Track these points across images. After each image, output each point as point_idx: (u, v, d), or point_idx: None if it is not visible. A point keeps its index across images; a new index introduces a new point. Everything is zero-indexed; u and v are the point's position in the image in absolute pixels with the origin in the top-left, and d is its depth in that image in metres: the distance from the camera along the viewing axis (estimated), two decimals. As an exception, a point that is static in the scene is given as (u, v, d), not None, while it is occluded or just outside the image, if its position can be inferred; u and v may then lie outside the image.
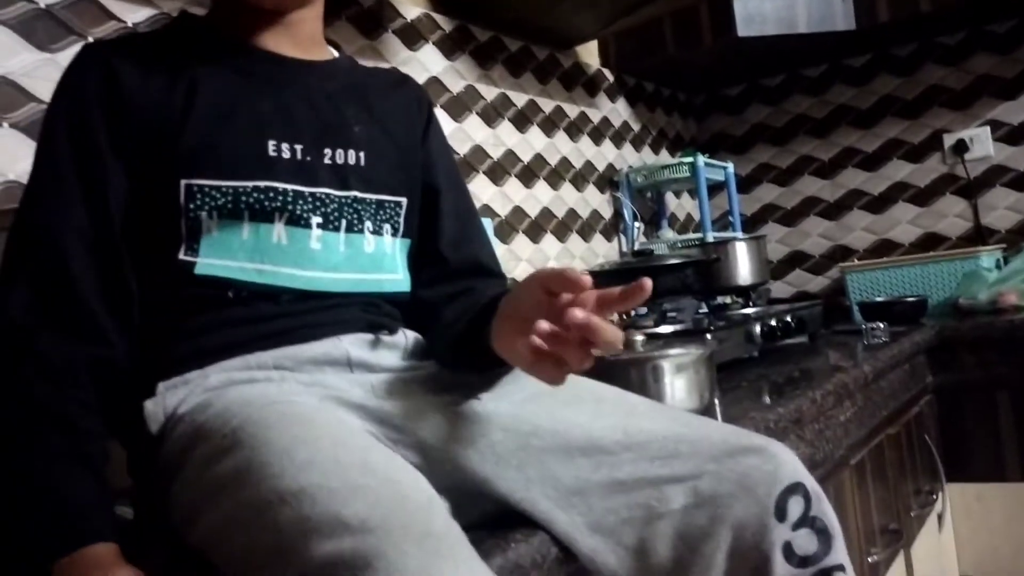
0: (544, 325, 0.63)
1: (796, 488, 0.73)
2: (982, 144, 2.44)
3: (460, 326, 0.84)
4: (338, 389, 0.78)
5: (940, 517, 1.87)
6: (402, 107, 0.97)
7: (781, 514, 0.72)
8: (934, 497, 1.81)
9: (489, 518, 0.72)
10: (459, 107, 1.90)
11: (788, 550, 0.71)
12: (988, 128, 2.43)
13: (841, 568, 0.73)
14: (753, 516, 0.71)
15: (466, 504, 0.71)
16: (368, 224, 0.88)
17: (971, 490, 1.93)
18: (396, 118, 0.95)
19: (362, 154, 0.88)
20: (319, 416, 0.70)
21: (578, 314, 0.61)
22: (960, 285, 2.17)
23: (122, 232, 0.79)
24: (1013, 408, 1.88)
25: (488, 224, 1.83)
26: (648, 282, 0.62)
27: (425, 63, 1.82)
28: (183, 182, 0.78)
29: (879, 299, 2.19)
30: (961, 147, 2.46)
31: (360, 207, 0.87)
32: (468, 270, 0.97)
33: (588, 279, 0.63)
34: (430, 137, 1.00)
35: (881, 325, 1.92)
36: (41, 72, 1.16)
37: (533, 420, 0.77)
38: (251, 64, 0.86)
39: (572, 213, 2.23)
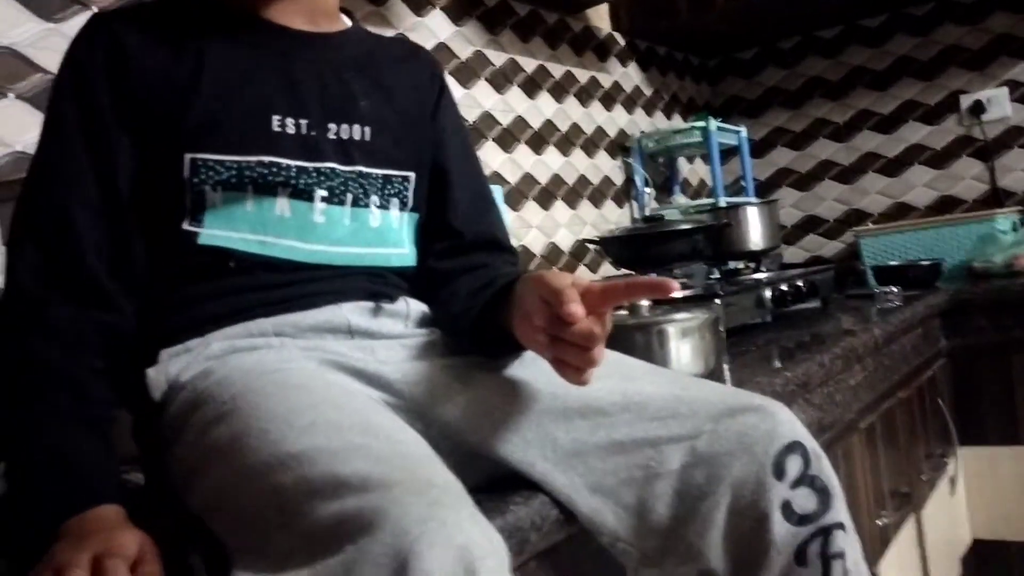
0: (542, 338, 0.69)
1: (794, 447, 0.73)
2: (999, 105, 2.40)
3: (476, 308, 0.84)
4: (338, 354, 0.79)
5: (952, 481, 1.87)
6: (413, 80, 0.97)
7: (779, 472, 0.72)
8: (946, 461, 1.81)
9: (489, 481, 0.73)
10: (467, 73, 1.88)
11: (787, 508, 0.72)
12: (1006, 89, 2.39)
13: (841, 526, 0.73)
14: (751, 474, 0.72)
15: (466, 467, 0.71)
16: (374, 199, 0.88)
17: (984, 454, 1.93)
18: (406, 92, 0.94)
19: (367, 129, 0.87)
20: (318, 382, 0.71)
21: (576, 330, 0.64)
22: (975, 248, 2.15)
23: (129, 203, 0.79)
24: (1027, 372, 1.87)
25: (498, 191, 1.82)
26: (672, 283, 0.63)
27: (433, 29, 1.81)
28: (188, 156, 0.79)
29: (893, 263, 2.17)
30: (978, 108, 2.42)
31: (366, 182, 0.87)
32: (482, 244, 0.97)
33: (580, 312, 0.64)
34: (441, 111, 0.99)
35: (895, 289, 1.90)
36: (46, 42, 1.16)
37: (532, 383, 0.77)
38: (259, 37, 0.86)
39: (583, 179, 2.22)
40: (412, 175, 0.92)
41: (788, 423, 0.75)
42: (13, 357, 0.73)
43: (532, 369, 0.80)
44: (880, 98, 2.58)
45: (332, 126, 0.85)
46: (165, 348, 0.79)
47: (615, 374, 0.79)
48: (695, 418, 0.74)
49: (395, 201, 0.91)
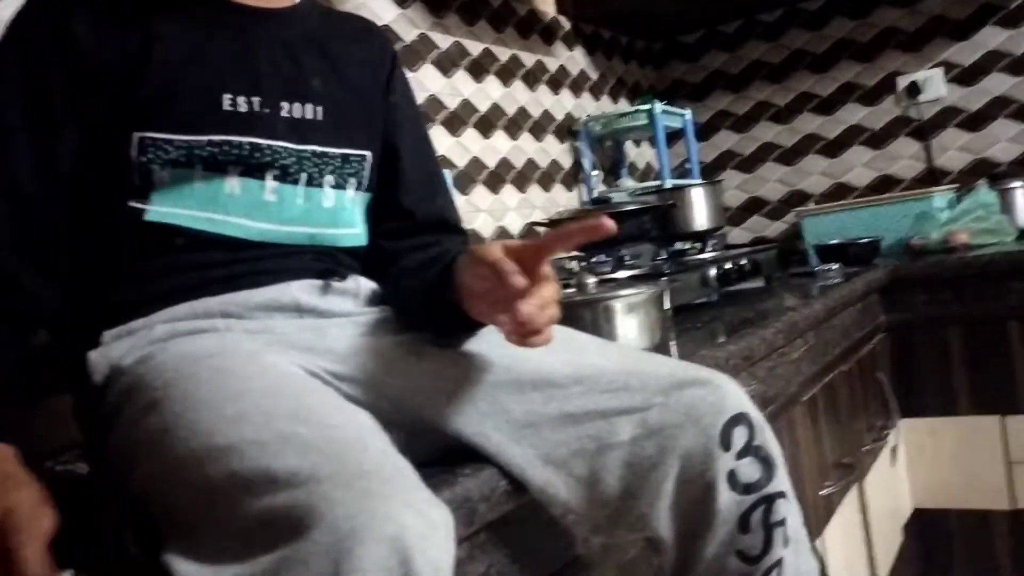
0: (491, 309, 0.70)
1: (740, 418, 0.75)
2: (935, 86, 2.46)
3: (424, 285, 0.84)
4: (285, 334, 0.78)
5: (893, 451, 1.93)
6: (365, 58, 0.96)
7: (726, 443, 0.74)
8: (887, 432, 1.86)
9: (442, 453, 0.74)
10: (413, 56, 1.87)
11: (732, 478, 0.73)
12: (940, 70, 2.46)
13: (783, 495, 0.76)
14: (699, 445, 0.73)
15: (419, 440, 0.72)
16: (330, 178, 0.87)
17: (923, 424, 1.99)
18: (358, 70, 0.94)
19: (320, 109, 0.87)
20: (253, 367, 0.70)
21: (521, 308, 0.65)
22: (913, 226, 2.21)
23: (72, 182, 0.78)
24: (964, 344, 1.93)
25: (447, 175, 1.82)
26: (607, 222, 0.64)
27: (375, 10, 1.79)
28: (136, 135, 0.78)
29: (833, 242, 2.22)
30: (914, 89, 2.48)
31: (321, 161, 0.86)
32: (433, 225, 0.97)
33: (520, 282, 0.65)
34: (394, 89, 0.98)
35: (835, 267, 1.95)
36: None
37: (485, 356, 0.78)
38: (210, 14, 0.84)
39: (531, 163, 2.22)
40: (369, 154, 0.92)
41: (734, 395, 0.76)
42: None
43: (485, 342, 0.80)
44: (820, 80, 2.63)
45: (285, 104, 0.85)
46: (108, 328, 0.78)
47: (567, 348, 0.80)
48: (645, 391, 0.75)
49: (352, 181, 0.90)
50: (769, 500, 0.75)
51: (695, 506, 0.74)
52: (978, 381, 1.92)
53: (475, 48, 2.06)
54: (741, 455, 0.74)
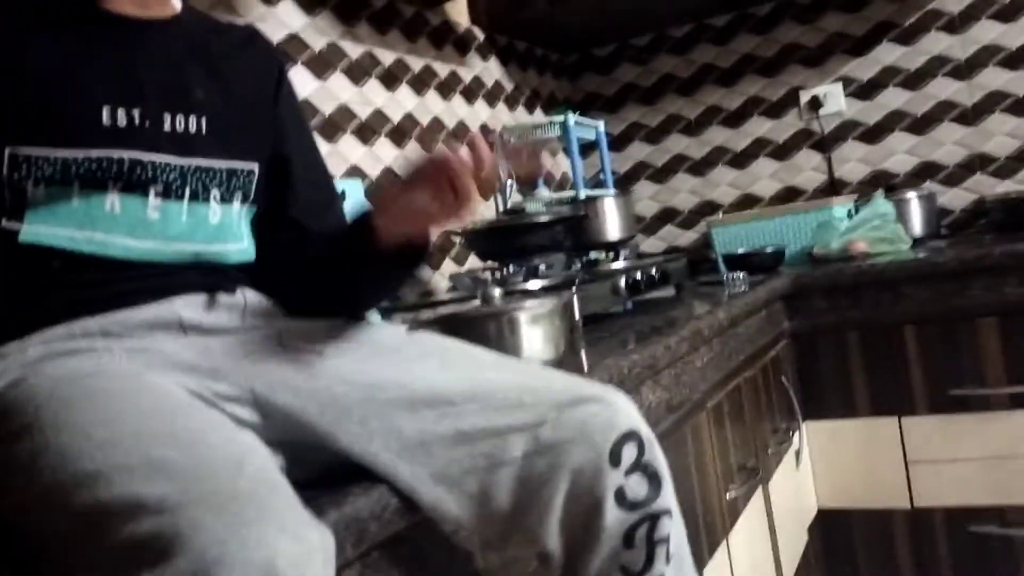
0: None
1: (631, 435, 0.76)
2: (835, 100, 2.56)
3: (339, 241, 0.87)
4: (167, 353, 0.76)
5: (798, 454, 1.98)
6: (251, 68, 0.94)
7: (616, 460, 0.75)
8: (791, 435, 1.91)
9: (331, 471, 0.72)
10: (322, 65, 1.85)
11: (620, 494, 0.74)
12: (840, 84, 2.55)
13: (668, 513, 0.77)
14: (589, 462, 0.74)
15: (306, 458, 0.71)
16: (215, 192, 0.85)
17: (826, 427, 2.06)
18: (244, 80, 0.92)
19: (204, 120, 0.85)
20: (127, 387, 0.68)
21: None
22: (815, 235, 2.29)
23: None
24: (862, 348, 2.00)
25: (357, 186, 1.80)
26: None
27: (283, 19, 1.77)
28: (7, 150, 0.75)
29: (741, 251, 2.28)
30: (816, 103, 2.57)
31: (206, 176, 0.84)
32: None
33: (457, 148, 0.71)
34: (281, 99, 0.97)
35: (742, 275, 2.00)
36: None
37: (377, 373, 0.77)
38: (86, 24, 0.82)
39: (445, 173, 2.22)
40: (256, 166, 0.90)
41: (625, 412, 0.78)
42: None
43: (378, 360, 0.79)
44: (727, 94, 2.71)
45: (167, 116, 0.82)
46: None
47: (462, 364, 0.80)
48: (540, 407, 0.76)
49: (239, 194, 0.88)
50: (654, 518, 0.76)
51: (583, 521, 0.75)
52: (876, 384, 1.99)
53: (387, 58, 2.05)
54: (630, 471, 0.76)
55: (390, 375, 0.77)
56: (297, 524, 0.52)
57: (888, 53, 2.50)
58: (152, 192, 0.80)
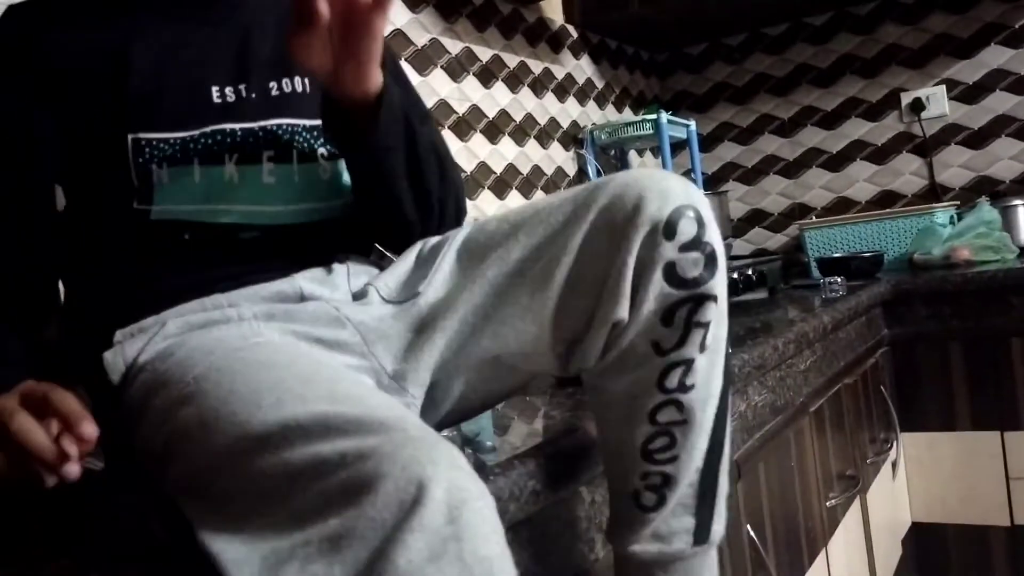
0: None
1: (688, 208, 0.70)
2: (938, 103, 2.48)
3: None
4: (297, 323, 0.77)
5: (894, 465, 1.93)
6: None
7: (670, 232, 0.70)
8: (888, 445, 1.86)
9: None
10: (424, 61, 1.88)
11: (669, 269, 0.70)
12: (944, 87, 2.47)
13: (714, 299, 0.71)
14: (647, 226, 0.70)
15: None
16: (322, 150, 0.87)
17: (923, 439, 2.00)
18: None
19: (307, 80, 0.87)
20: (280, 356, 0.69)
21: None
22: (915, 241, 2.22)
23: (71, 187, 0.82)
24: (964, 360, 1.94)
25: (453, 179, 1.82)
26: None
27: (389, 15, 1.79)
28: (130, 137, 0.78)
29: (836, 255, 2.23)
30: (918, 105, 2.50)
31: (310, 135, 0.87)
32: None
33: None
34: None
35: (838, 279, 1.96)
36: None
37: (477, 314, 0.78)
38: (183, 8, 0.85)
39: (537, 170, 2.23)
40: None
41: (683, 189, 0.71)
42: None
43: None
44: (823, 95, 2.65)
45: (273, 84, 0.86)
46: (120, 328, 0.78)
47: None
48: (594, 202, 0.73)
49: None
50: (699, 300, 0.70)
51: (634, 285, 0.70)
52: (979, 396, 1.93)
53: (484, 54, 2.07)
54: (686, 248, 0.69)
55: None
56: (466, 466, 0.52)
57: (995, 56, 2.41)
58: (265, 157, 0.83)
